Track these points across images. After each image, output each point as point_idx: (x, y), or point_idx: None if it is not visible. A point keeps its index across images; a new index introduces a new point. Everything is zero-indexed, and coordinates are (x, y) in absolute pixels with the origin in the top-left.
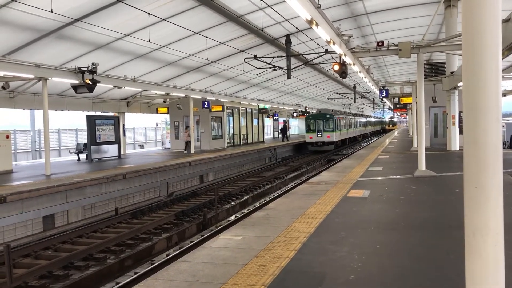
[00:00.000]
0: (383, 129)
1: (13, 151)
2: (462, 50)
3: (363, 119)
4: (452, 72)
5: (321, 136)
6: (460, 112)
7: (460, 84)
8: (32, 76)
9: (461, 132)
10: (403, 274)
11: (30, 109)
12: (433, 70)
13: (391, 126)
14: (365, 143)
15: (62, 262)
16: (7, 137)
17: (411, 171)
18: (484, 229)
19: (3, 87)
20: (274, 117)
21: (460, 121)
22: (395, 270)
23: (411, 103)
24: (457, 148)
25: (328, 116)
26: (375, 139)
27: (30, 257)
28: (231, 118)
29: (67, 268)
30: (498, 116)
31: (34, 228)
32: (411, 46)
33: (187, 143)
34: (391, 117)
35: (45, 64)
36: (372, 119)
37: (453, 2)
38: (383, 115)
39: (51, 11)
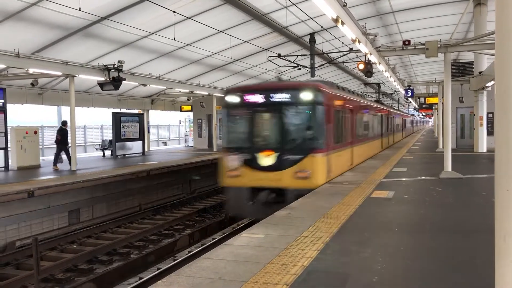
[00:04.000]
0: None
1: (40, 147)
2: (495, 49)
3: None
4: (480, 72)
5: None
6: (488, 113)
7: (488, 84)
8: (60, 73)
9: (489, 133)
10: (427, 277)
11: (57, 106)
12: (461, 70)
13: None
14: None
15: (87, 256)
16: (35, 132)
17: (436, 172)
18: None
19: (32, 84)
20: None
21: (488, 122)
22: (419, 273)
23: (437, 103)
24: (484, 150)
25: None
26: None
27: (56, 251)
28: None
29: (91, 262)
30: None
31: (60, 222)
32: (439, 45)
33: None
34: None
35: (72, 61)
36: None
37: (483, 0)
38: None
39: (79, 10)
